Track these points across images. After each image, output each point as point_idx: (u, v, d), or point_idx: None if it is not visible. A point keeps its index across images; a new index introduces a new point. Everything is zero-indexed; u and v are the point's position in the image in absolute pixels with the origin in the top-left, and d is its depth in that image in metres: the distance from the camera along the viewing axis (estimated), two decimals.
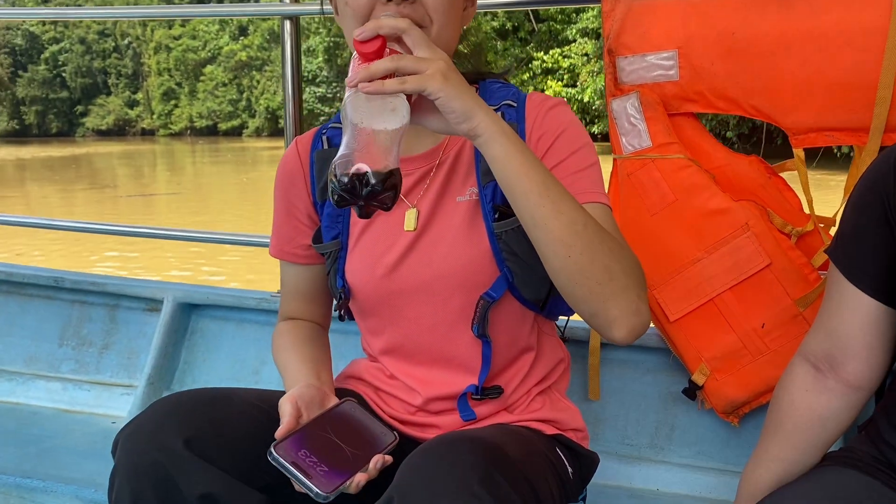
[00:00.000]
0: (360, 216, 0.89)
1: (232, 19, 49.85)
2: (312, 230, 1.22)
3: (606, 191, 1.57)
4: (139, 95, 63.54)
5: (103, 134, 63.70)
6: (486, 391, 1.14)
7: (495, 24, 23.41)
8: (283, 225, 1.24)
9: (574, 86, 22.16)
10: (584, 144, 1.09)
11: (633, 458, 1.63)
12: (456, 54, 1.18)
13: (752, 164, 1.53)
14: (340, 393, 1.18)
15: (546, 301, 1.15)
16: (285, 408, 1.00)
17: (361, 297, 1.17)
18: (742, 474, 1.17)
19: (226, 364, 1.98)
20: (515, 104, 1.12)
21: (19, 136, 65.41)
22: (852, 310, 1.05)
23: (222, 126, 54.60)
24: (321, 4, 1.15)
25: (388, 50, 0.91)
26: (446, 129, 0.95)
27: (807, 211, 1.51)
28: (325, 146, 1.20)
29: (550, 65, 23.37)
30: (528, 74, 24.60)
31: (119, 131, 64.00)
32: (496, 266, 1.10)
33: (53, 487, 1.56)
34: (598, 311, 0.98)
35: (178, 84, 58.12)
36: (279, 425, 0.99)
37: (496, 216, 1.08)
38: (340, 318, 1.25)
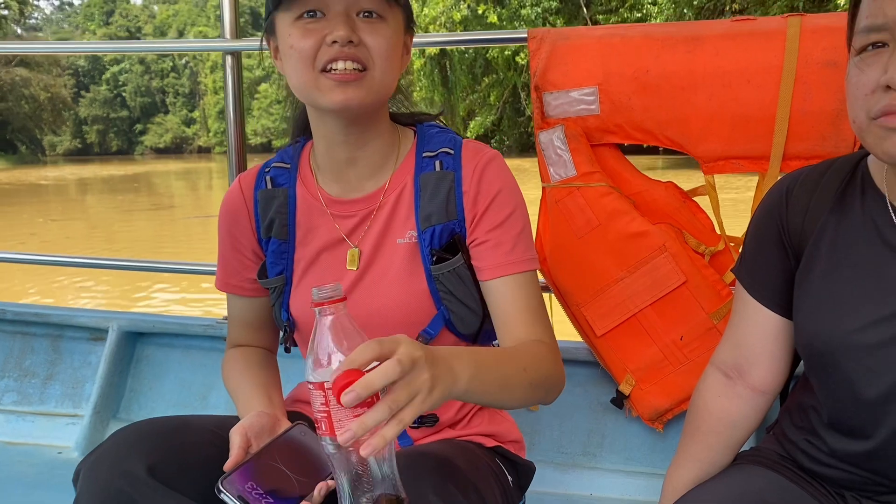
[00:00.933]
0: None
1: None
2: (257, 265, 1.27)
3: (537, 217, 1.70)
4: (196, 114, 64.83)
5: (161, 152, 64.68)
6: (423, 419, 1.21)
7: None
8: (228, 259, 1.28)
9: None
10: (516, 206, 1.17)
11: (567, 466, 1.74)
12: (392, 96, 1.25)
13: (667, 189, 1.67)
14: (291, 417, 1.22)
15: (479, 333, 1.23)
16: (234, 439, 1.04)
17: (305, 329, 1.22)
18: (665, 476, 1.28)
19: (173, 391, 2.02)
20: (452, 151, 1.19)
21: (81, 154, 67.68)
22: (756, 322, 1.16)
23: (276, 143, 55.39)
24: (261, 42, 1.19)
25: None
26: None
27: (718, 232, 1.65)
28: (269, 186, 1.24)
29: None
30: None
31: (176, 149, 64.93)
32: (434, 305, 1.17)
33: None
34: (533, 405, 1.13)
35: None
36: None
37: (434, 259, 1.15)
38: (286, 349, 1.29)
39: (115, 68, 68.94)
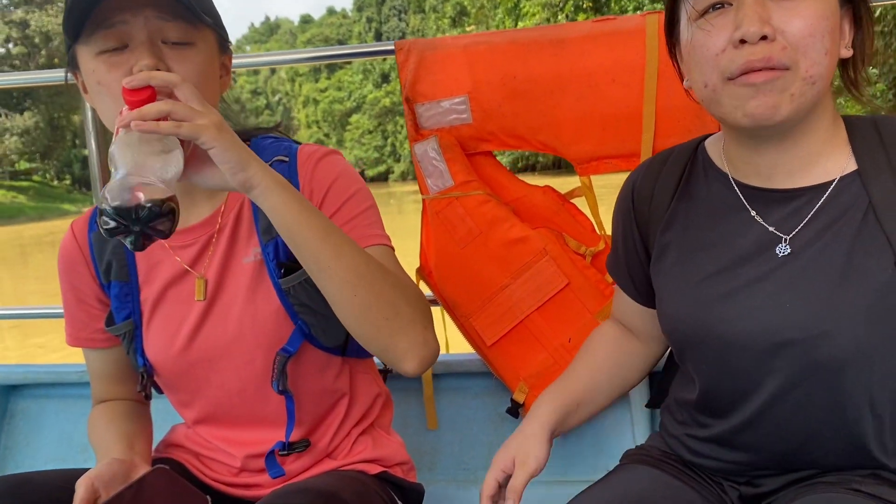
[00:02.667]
0: (135, 248, 0.84)
1: (374, 67, 53.34)
2: (105, 313, 1.20)
3: (420, 230, 1.67)
4: None
5: None
6: (294, 445, 1.15)
7: None
8: (74, 312, 1.21)
9: None
10: (356, 190, 1.13)
11: (469, 482, 1.70)
12: None
13: (545, 193, 1.67)
14: (159, 463, 1.15)
15: (346, 344, 1.18)
16: (79, 491, 0.97)
17: (164, 372, 1.16)
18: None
19: (51, 445, 1.88)
20: (287, 159, 1.14)
21: None
22: (632, 311, 1.19)
23: (369, 172, 57.53)
24: (66, 76, 1.11)
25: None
26: (221, 184, 0.94)
27: (598, 232, 1.65)
28: None
29: None
30: None
31: None
32: (290, 320, 1.12)
33: None
34: (388, 346, 1.02)
35: (326, 135, 61.37)
36: None
37: (282, 272, 1.10)
38: (145, 396, 1.21)
39: None
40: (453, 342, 1.79)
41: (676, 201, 1.06)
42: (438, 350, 1.08)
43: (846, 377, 0.90)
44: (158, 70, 0.97)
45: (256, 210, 1.12)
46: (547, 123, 1.61)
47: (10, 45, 44.36)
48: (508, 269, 1.61)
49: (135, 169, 0.83)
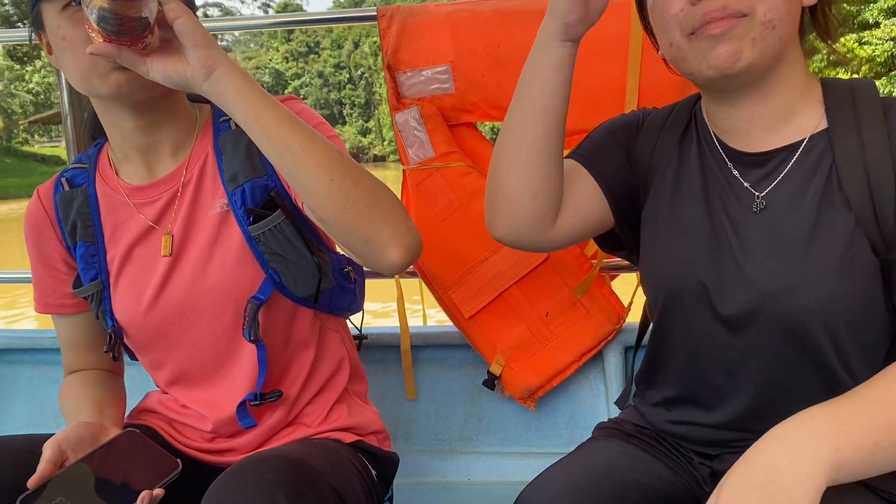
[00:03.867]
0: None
1: None
2: (72, 277, 1.18)
3: (400, 200, 1.65)
4: (371, 123, 67.73)
5: None
6: (265, 396, 1.15)
7: None
8: (42, 277, 1.20)
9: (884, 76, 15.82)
10: (319, 122, 1.11)
11: (445, 452, 1.71)
12: None
13: None
14: (135, 428, 1.13)
15: (318, 295, 1.16)
16: (45, 453, 0.97)
17: (133, 332, 1.15)
18: None
19: (24, 411, 1.87)
20: None
21: None
22: (575, 178, 1.11)
23: None
24: (29, 36, 1.10)
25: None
26: (183, 76, 0.92)
27: None
28: (66, 188, 1.17)
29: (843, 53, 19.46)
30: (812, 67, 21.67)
31: (354, 158, 70.92)
32: (260, 269, 1.11)
33: None
34: (371, 235, 0.96)
35: None
36: None
37: (251, 220, 1.09)
38: (113, 358, 1.20)
39: (297, 83, 72.70)
40: (431, 315, 1.79)
41: (672, 154, 1.08)
42: (421, 241, 1.03)
43: (814, 328, 0.93)
44: None
45: (221, 161, 1.12)
46: None
47: None
48: (488, 242, 1.60)
49: None
